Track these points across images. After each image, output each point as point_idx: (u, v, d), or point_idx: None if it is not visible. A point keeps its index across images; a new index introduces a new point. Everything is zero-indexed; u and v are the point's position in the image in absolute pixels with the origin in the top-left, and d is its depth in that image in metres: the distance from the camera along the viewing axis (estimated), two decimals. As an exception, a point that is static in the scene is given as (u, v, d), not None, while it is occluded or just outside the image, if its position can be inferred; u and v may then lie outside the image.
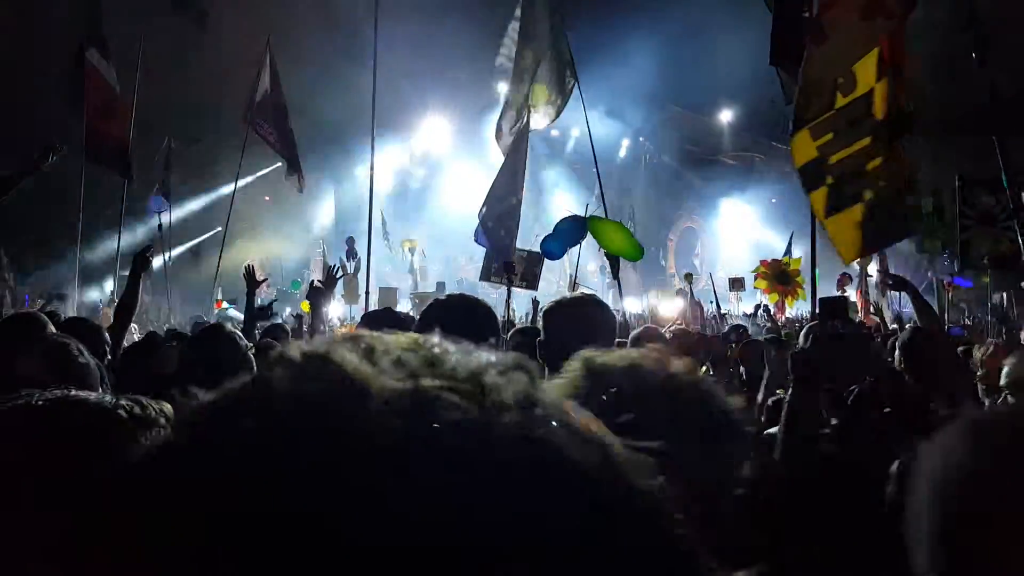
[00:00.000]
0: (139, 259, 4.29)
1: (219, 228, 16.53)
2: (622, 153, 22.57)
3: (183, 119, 15.43)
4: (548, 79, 9.22)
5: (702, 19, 16.93)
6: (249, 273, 5.20)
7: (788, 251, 13.39)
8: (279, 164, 20.65)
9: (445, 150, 23.38)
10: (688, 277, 11.50)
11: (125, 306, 4.24)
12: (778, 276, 10.86)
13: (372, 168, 11.09)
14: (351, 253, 16.84)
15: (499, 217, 9.46)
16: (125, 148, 10.40)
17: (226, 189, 17.78)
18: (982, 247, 9.15)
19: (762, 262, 11.69)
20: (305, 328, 5.63)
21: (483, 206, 9.64)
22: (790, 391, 2.40)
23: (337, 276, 5.30)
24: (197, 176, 18.53)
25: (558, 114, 9.46)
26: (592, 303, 2.40)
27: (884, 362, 3.76)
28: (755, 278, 11.97)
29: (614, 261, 7.64)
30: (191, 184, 18.63)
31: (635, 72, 18.61)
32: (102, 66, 10.27)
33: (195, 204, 19.60)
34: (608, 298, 17.79)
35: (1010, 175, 6.38)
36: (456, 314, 2.15)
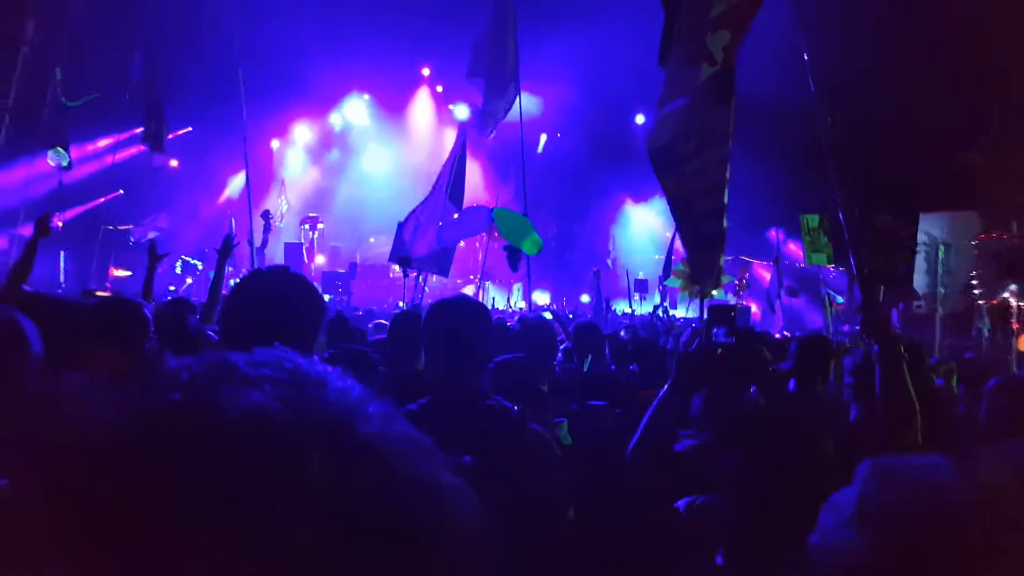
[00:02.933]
0: (39, 224, 4.25)
1: (121, 191, 15.83)
2: (539, 149, 22.85)
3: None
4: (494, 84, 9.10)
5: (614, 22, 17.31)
6: (152, 249, 5.20)
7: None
8: (190, 128, 19.97)
9: (362, 129, 23.06)
10: (596, 274, 11.81)
11: (20, 271, 4.11)
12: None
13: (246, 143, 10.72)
14: (267, 227, 16.46)
15: (421, 211, 9.53)
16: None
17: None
18: (875, 262, 9.77)
19: (679, 260, 12.07)
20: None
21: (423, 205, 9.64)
22: (664, 389, 2.56)
23: (233, 244, 5.29)
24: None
25: (495, 121, 9.34)
26: (468, 300, 2.54)
27: (768, 371, 3.93)
28: (669, 275, 12.39)
29: (514, 253, 7.77)
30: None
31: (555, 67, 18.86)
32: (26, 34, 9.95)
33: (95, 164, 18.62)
34: (516, 291, 18.06)
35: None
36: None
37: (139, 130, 16.58)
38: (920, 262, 12.64)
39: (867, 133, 15.22)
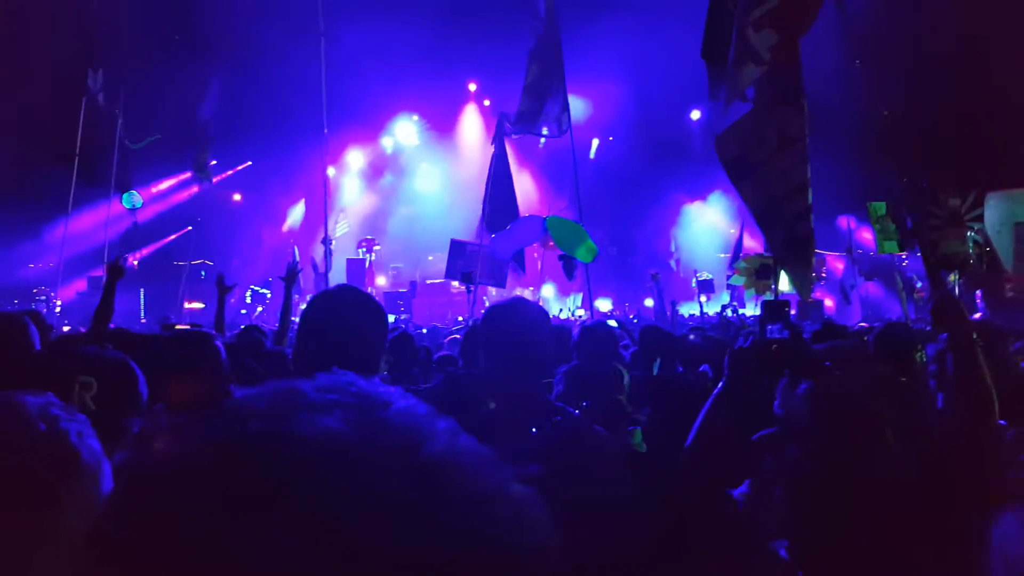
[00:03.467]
0: (113, 269, 4.41)
1: (188, 227, 16.45)
2: (591, 154, 22.76)
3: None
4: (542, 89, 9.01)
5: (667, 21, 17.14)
6: (220, 281, 5.41)
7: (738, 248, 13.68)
8: (250, 163, 20.66)
9: (413, 149, 23.42)
10: (654, 277, 11.63)
11: (102, 315, 4.30)
12: (759, 271, 11.03)
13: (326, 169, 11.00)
14: (327, 252, 16.85)
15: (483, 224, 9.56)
16: (94, 153, 10.56)
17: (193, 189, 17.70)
18: (950, 248, 9.39)
19: (743, 256, 11.87)
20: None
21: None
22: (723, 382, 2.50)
23: (297, 271, 5.55)
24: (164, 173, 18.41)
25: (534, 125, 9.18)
26: (526, 303, 2.48)
27: (823, 367, 3.82)
28: (733, 273, 12.17)
29: (570, 262, 7.71)
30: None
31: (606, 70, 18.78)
32: (93, 80, 10.49)
33: (163, 204, 19.44)
34: (572, 300, 17.97)
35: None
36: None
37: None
38: (1006, 243, 12.04)
39: (926, 113, 14.69)
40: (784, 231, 5.11)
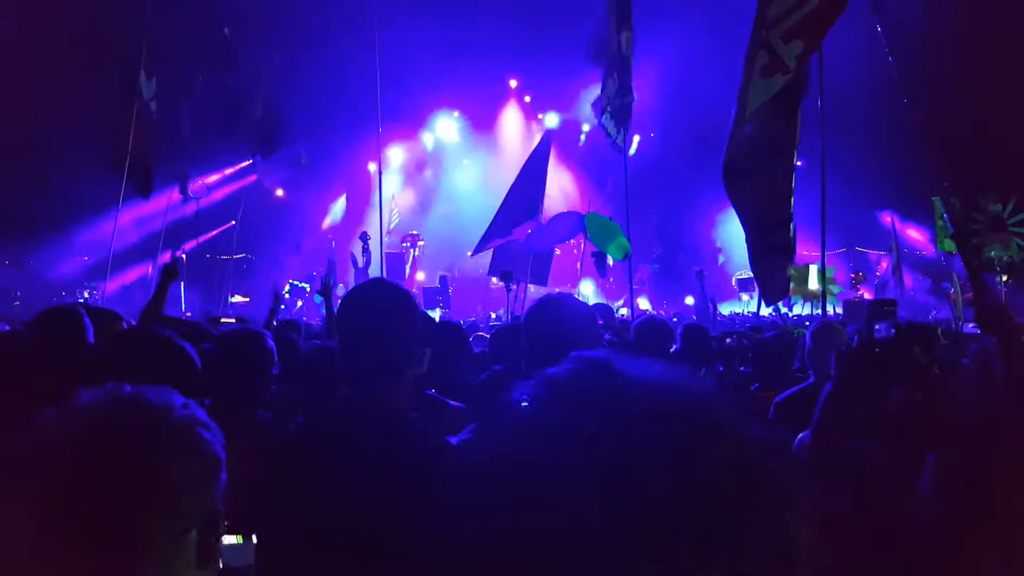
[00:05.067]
0: (168, 270, 4.47)
1: (232, 222, 16.70)
2: (632, 151, 22.52)
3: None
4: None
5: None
6: (275, 291, 5.98)
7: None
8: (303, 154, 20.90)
9: (453, 146, 23.44)
10: (699, 274, 11.50)
11: (152, 311, 4.36)
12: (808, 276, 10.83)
13: (380, 164, 11.09)
14: (365, 249, 16.98)
15: (508, 222, 9.52)
16: (147, 165, 10.81)
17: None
18: (994, 251, 9.17)
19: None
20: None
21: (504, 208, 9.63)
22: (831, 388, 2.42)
23: (332, 285, 5.86)
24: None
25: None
26: (571, 299, 2.44)
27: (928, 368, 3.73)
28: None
29: (602, 259, 7.64)
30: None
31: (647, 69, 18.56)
32: (147, 89, 10.74)
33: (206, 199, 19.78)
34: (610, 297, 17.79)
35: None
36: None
37: (247, 163, 17.54)
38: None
39: (965, 114, 14.27)
40: (761, 236, 5.13)
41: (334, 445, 1.81)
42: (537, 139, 22.03)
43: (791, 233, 4.95)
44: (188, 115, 13.02)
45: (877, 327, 2.44)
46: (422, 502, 1.56)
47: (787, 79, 5.02)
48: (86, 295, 14.97)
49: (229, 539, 1.87)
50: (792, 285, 10.84)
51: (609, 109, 8.61)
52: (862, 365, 2.30)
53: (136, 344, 2.38)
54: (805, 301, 11.33)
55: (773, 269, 5.09)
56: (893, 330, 2.43)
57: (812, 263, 10.28)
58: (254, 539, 1.85)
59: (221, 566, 1.09)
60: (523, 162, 9.97)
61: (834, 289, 11.01)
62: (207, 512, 1.03)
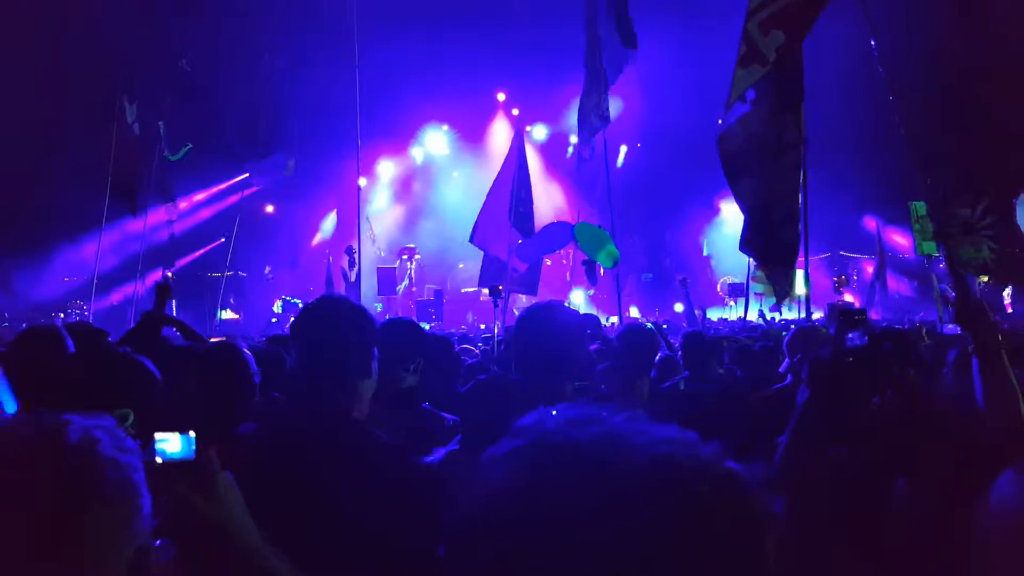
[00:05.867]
0: (160, 288, 4.76)
1: (222, 239, 16.69)
2: (619, 160, 22.66)
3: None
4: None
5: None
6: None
7: None
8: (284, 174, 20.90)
9: (443, 159, 23.52)
10: (683, 282, 11.55)
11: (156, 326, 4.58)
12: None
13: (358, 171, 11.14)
14: (352, 262, 16.98)
15: (495, 232, 9.56)
16: (133, 183, 10.92)
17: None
18: (967, 254, 9.31)
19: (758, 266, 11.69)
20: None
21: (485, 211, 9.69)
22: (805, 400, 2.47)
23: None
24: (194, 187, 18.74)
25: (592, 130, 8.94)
26: (561, 308, 2.44)
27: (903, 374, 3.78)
28: (752, 281, 12.03)
29: (592, 267, 7.70)
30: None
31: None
32: (129, 113, 10.86)
33: (195, 217, 19.76)
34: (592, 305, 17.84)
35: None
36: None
37: (239, 178, 17.52)
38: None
39: (950, 117, 14.48)
40: (770, 234, 5.13)
41: (276, 447, 1.82)
42: (528, 154, 22.22)
43: (798, 231, 4.98)
44: (168, 135, 13.06)
45: (850, 335, 2.49)
46: (364, 506, 1.60)
47: (766, 70, 5.05)
48: (62, 316, 14.91)
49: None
50: (763, 287, 10.99)
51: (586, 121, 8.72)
52: (835, 375, 2.36)
53: (89, 364, 2.37)
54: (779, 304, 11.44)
55: (782, 267, 5.13)
56: (867, 338, 2.49)
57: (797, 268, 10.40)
58: None
59: None
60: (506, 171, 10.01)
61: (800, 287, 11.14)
62: (129, 550, 0.96)
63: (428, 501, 1.71)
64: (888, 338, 2.56)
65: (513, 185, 9.29)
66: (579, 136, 8.96)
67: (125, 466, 0.96)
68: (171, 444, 1.08)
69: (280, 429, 1.98)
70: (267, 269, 16.80)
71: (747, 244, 5.28)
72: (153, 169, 11.94)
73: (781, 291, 5.14)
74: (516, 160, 9.41)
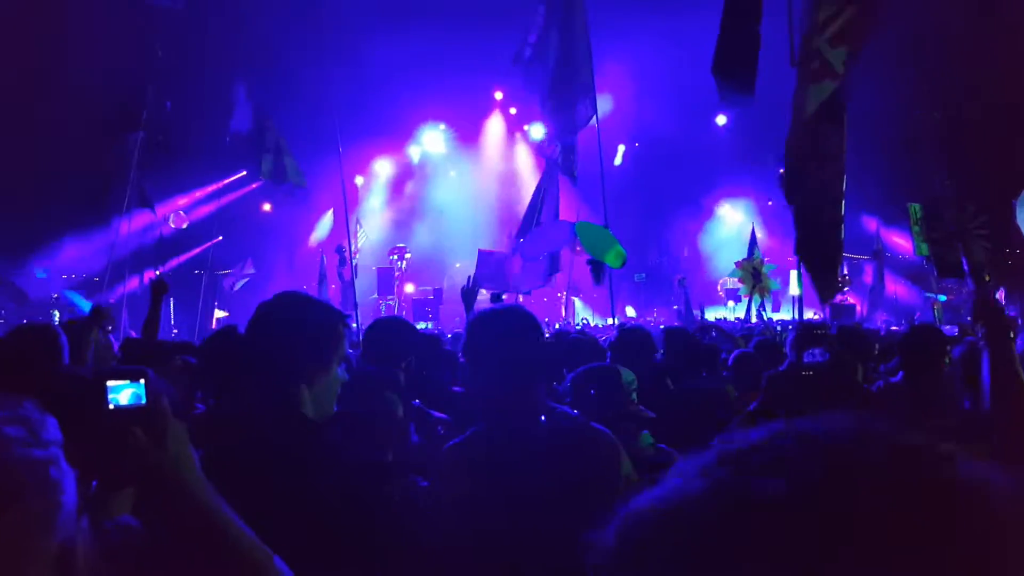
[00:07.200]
0: (157, 286, 4.85)
1: (219, 237, 16.64)
2: (617, 159, 22.65)
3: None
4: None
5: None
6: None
7: (751, 250, 13.52)
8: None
9: (440, 158, 23.50)
10: (680, 282, 11.56)
11: (152, 327, 4.82)
12: (753, 274, 11.02)
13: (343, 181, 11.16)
14: (342, 261, 16.95)
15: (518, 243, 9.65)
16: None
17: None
18: (954, 257, 9.38)
19: (736, 263, 11.76)
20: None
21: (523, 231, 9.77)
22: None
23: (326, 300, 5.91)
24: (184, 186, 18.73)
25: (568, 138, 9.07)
26: (516, 309, 2.32)
27: (859, 392, 3.74)
28: (740, 282, 12.08)
29: (598, 267, 7.67)
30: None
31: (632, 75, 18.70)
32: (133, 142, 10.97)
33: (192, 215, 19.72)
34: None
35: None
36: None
37: (236, 176, 17.48)
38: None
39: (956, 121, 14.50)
40: (818, 238, 5.29)
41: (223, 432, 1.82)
42: (522, 150, 22.22)
43: (843, 234, 5.34)
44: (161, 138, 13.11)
45: (812, 351, 2.46)
46: (303, 497, 1.59)
47: (837, 84, 5.35)
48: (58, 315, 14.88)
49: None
50: (739, 275, 11.07)
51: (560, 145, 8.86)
52: (788, 390, 2.34)
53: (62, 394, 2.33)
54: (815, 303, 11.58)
55: (830, 269, 5.46)
56: (828, 355, 2.47)
57: (792, 268, 10.43)
58: None
59: None
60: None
61: (772, 286, 11.26)
62: (49, 549, 0.90)
63: (365, 497, 1.69)
64: (849, 353, 2.52)
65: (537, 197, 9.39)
66: (547, 134, 9.13)
67: (42, 462, 0.89)
68: (123, 393, 1.06)
69: (219, 426, 1.95)
70: (237, 284, 16.52)
71: (801, 247, 5.57)
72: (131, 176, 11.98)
73: (826, 291, 5.45)
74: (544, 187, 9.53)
